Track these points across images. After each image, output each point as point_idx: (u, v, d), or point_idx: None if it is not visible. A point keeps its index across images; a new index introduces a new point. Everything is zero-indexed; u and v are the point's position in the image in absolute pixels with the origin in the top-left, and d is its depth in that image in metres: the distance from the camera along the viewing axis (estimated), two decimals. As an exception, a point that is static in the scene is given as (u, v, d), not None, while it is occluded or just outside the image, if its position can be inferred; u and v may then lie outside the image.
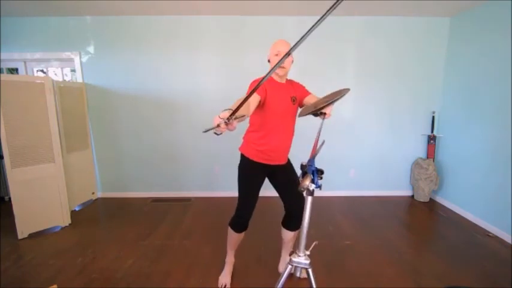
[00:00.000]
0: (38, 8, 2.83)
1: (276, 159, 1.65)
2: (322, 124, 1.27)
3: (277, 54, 1.55)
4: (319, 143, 1.21)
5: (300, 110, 1.58)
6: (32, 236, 2.48)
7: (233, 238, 1.80)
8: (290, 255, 1.24)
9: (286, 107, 1.58)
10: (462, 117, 2.99)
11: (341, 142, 3.42)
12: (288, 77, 1.69)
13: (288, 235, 1.82)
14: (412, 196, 3.47)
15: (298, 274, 1.25)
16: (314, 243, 1.33)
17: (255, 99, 1.43)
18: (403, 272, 1.97)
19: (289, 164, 1.77)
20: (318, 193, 3.93)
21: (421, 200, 3.33)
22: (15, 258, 2.16)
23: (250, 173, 1.68)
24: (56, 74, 3.44)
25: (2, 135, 2.25)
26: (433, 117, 3.32)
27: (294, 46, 0.73)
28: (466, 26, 2.95)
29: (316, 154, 1.16)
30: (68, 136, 2.94)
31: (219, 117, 0.93)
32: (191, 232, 2.56)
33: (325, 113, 1.29)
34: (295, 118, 1.67)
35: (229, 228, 1.78)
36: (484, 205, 2.67)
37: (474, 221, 2.76)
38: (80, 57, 3.19)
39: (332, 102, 1.18)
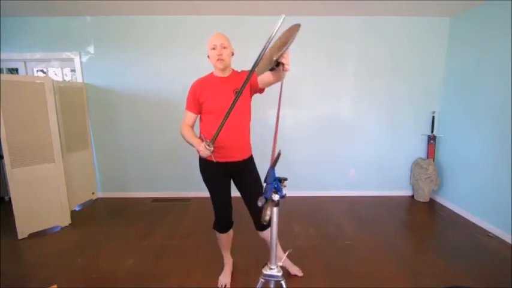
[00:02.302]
0: (38, 8, 2.83)
1: (229, 156, 1.58)
2: (282, 81, 1.21)
3: (213, 48, 1.49)
4: (276, 152, 1.08)
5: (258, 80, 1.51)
6: (32, 236, 2.47)
7: (221, 239, 1.80)
8: (262, 267, 1.18)
9: (229, 102, 1.39)
10: (462, 117, 2.99)
11: (341, 142, 3.41)
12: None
13: (264, 235, 1.73)
14: (412, 196, 3.47)
15: (272, 286, 1.19)
16: (288, 252, 1.31)
17: (190, 117, 1.59)
18: (403, 272, 1.97)
19: (249, 164, 1.68)
20: (318, 193, 3.88)
21: (421, 200, 3.33)
22: (15, 258, 2.16)
23: (210, 171, 1.64)
24: (56, 74, 3.44)
25: (2, 135, 2.25)
26: (433, 117, 3.32)
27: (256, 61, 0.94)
28: (466, 26, 2.95)
29: (274, 165, 1.07)
30: (68, 136, 2.94)
31: (202, 151, 1.38)
32: (191, 232, 2.56)
33: (283, 64, 1.15)
34: (245, 111, 1.60)
35: (215, 231, 1.78)
36: (484, 205, 2.67)
37: (474, 221, 2.76)
38: (80, 57, 3.18)
39: (287, 48, 1.08)
